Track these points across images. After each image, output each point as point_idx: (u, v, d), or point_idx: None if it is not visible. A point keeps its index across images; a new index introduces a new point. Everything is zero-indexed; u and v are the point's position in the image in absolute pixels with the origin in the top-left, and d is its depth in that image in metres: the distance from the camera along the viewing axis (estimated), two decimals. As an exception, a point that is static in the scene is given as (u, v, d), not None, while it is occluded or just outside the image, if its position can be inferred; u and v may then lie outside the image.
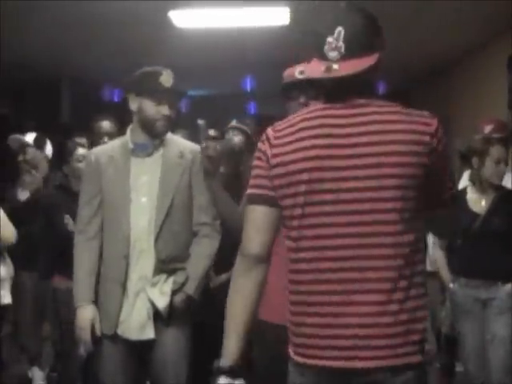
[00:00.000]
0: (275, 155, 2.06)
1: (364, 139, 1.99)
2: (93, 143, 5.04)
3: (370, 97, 2.08)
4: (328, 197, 1.98)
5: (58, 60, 8.49)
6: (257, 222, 2.09)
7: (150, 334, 3.10)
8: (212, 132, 6.58)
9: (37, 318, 5.27)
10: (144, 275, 3.11)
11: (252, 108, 11.64)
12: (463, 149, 5.11)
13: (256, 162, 2.11)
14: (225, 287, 4.23)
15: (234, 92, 11.01)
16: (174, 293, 3.13)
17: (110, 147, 3.33)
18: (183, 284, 3.15)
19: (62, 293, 4.49)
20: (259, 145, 2.12)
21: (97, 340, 3.16)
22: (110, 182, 3.17)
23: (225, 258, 3.94)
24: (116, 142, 3.35)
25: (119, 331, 3.11)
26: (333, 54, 2.04)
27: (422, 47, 7.83)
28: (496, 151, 4.23)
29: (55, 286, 4.60)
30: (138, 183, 3.16)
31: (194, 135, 6.22)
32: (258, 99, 11.27)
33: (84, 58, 8.35)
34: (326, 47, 2.04)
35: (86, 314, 3.13)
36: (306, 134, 2.03)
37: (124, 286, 3.10)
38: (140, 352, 3.17)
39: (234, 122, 4.95)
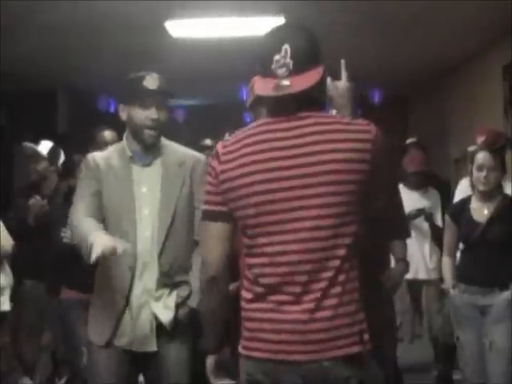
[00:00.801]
0: (223, 171, 2.18)
1: (305, 150, 2.10)
2: None
3: (315, 109, 2.18)
4: (274, 207, 2.11)
5: (54, 70, 8.48)
6: (212, 237, 2.23)
7: (152, 346, 3.06)
8: (208, 141, 6.60)
9: (36, 328, 5.25)
10: (148, 288, 3.05)
11: (248, 118, 11.63)
12: (458, 156, 5.13)
13: (207, 178, 2.23)
14: (233, 296, 4.25)
15: (231, 102, 11.02)
16: (177, 306, 3.08)
17: (107, 154, 3.24)
18: (186, 298, 3.10)
19: (69, 304, 4.51)
20: (210, 161, 2.25)
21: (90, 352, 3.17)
22: (112, 189, 3.09)
23: (233, 267, 3.95)
24: (112, 150, 3.27)
25: (121, 343, 3.06)
26: (281, 71, 2.13)
27: (418, 56, 7.84)
28: (479, 157, 4.23)
29: (62, 298, 4.61)
30: (139, 194, 3.09)
31: (189, 144, 6.21)
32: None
33: (80, 69, 8.35)
34: (274, 65, 2.13)
35: (102, 236, 2.85)
36: (248, 150, 2.15)
37: (127, 299, 3.04)
38: (140, 364, 3.13)
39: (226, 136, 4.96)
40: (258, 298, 2.17)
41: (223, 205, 2.18)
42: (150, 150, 3.13)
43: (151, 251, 3.05)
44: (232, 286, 4.22)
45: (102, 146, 5.11)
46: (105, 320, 3.08)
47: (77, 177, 4.59)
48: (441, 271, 4.87)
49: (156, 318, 3.05)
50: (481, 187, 4.23)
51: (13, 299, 5.02)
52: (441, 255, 4.86)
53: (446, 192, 6.04)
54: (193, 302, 3.11)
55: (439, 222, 5.59)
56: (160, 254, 3.04)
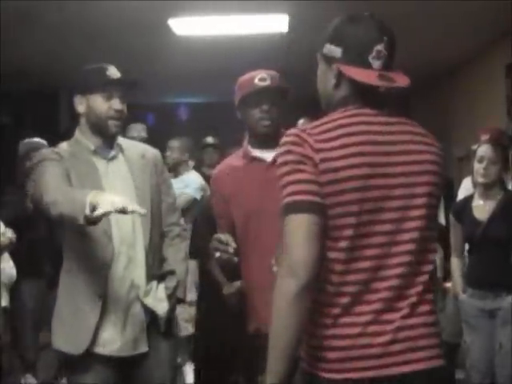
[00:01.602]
0: (323, 160, 1.88)
1: (404, 147, 1.99)
2: None
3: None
4: (380, 205, 1.92)
5: (56, 70, 8.48)
6: (309, 233, 1.84)
7: (143, 347, 2.89)
8: (210, 139, 6.60)
9: (36, 326, 5.25)
10: (136, 284, 2.87)
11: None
12: (461, 155, 5.11)
13: (298, 167, 1.88)
14: (237, 295, 4.24)
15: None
16: (168, 298, 2.97)
17: (65, 147, 3.00)
18: (175, 288, 3.01)
19: None
20: (294, 148, 1.90)
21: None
22: (81, 183, 2.83)
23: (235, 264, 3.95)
24: (67, 145, 3.02)
25: (106, 350, 2.81)
26: (377, 63, 1.98)
27: (420, 55, 7.83)
28: (480, 150, 4.21)
29: None
30: (110, 188, 2.84)
31: (192, 142, 6.21)
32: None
33: (82, 67, 8.35)
34: (373, 55, 1.98)
35: (107, 193, 2.58)
36: (350, 141, 1.91)
37: (104, 299, 2.80)
38: (125, 369, 2.89)
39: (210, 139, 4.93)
40: (347, 310, 1.91)
41: (322, 197, 1.86)
42: (111, 144, 2.97)
43: (134, 246, 2.88)
44: (231, 289, 4.25)
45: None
46: (79, 325, 2.81)
47: None
48: (443, 270, 4.85)
49: (150, 314, 2.91)
50: (480, 179, 4.18)
51: (11, 297, 5.02)
52: (444, 254, 4.83)
53: (449, 191, 6.02)
54: (180, 294, 3.08)
55: (442, 221, 5.58)
56: (146, 248, 2.89)
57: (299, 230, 1.84)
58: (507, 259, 4.07)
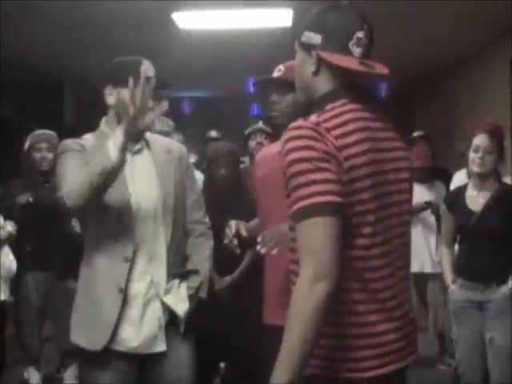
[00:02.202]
0: (346, 158, 1.86)
1: (391, 144, 2.01)
2: None
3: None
4: (386, 201, 1.94)
5: (60, 61, 8.49)
6: (335, 236, 1.79)
7: (161, 346, 2.82)
8: (213, 133, 6.61)
9: (40, 319, 5.27)
10: (156, 281, 2.81)
11: (255, 109, 11.64)
12: (464, 150, 5.09)
13: (321, 165, 1.82)
14: (228, 290, 4.24)
15: (237, 93, 11.02)
16: (189, 297, 2.90)
17: (89, 139, 2.93)
18: (198, 289, 2.94)
19: (75, 294, 4.52)
20: (315, 144, 1.84)
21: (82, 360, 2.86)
22: None
23: (228, 260, 3.96)
24: (91, 137, 2.96)
25: (123, 347, 2.76)
26: (357, 50, 1.98)
27: (424, 51, 7.83)
28: (476, 139, 4.20)
29: (70, 288, 4.62)
30: (134, 181, 2.82)
31: (195, 136, 6.23)
32: (260, 100, 11.26)
33: (87, 60, 8.35)
34: (353, 42, 1.97)
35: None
36: (361, 137, 1.90)
37: (124, 293, 2.74)
38: (143, 365, 2.84)
39: (260, 124, 4.95)
40: (378, 308, 1.93)
41: (343, 196, 1.83)
42: (139, 137, 2.89)
43: (155, 241, 2.82)
44: (224, 282, 4.24)
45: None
46: (99, 320, 2.75)
47: None
48: None
49: (170, 313, 2.85)
50: (476, 168, 4.15)
51: (15, 289, 5.04)
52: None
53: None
54: (203, 294, 2.98)
55: (445, 215, 5.60)
56: (168, 244, 2.83)
57: (326, 233, 1.78)
58: (499, 251, 4.03)
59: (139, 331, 2.76)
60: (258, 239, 2.70)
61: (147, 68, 2.86)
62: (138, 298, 2.78)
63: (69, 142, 2.87)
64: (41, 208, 4.88)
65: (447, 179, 5.76)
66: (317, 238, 1.78)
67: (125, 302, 2.74)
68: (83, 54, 8.04)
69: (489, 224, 4.06)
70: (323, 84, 2.01)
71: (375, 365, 1.90)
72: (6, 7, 5.72)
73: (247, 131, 4.93)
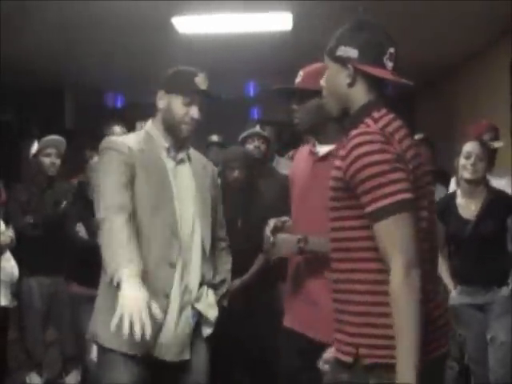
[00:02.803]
0: (409, 160, 2.08)
1: (417, 149, 2.18)
2: None
3: None
4: (426, 200, 2.15)
5: (60, 66, 8.49)
6: (415, 230, 2.02)
7: (186, 355, 2.88)
8: (215, 137, 6.60)
9: (43, 324, 5.27)
10: (190, 288, 2.88)
11: (255, 113, 11.64)
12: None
13: (397, 165, 2.02)
14: (237, 294, 4.26)
15: (237, 97, 11.02)
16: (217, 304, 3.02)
17: (135, 139, 2.93)
18: (223, 296, 3.08)
19: (80, 300, 4.53)
20: (388, 147, 2.03)
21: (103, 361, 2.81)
22: (149, 179, 2.82)
23: (239, 264, 3.98)
24: (137, 136, 2.98)
25: (156, 352, 2.78)
26: (390, 64, 2.20)
27: (424, 52, 7.83)
28: (467, 146, 4.21)
29: (72, 293, 4.62)
30: (177, 188, 2.90)
31: (195, 140, 6.23)
32: (260, 105, 11.27)
33: (87, 64, 8.36)
34: (387, 56, 2.18)
35: (138, 291, 2.42)
36: (409, 143, 2.12)
37: (168, 299, 2.79)
38: (164, 369, 2.84)
39: (257, 128, 4.95)
40: (432, 297, 2.13)
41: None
42: (181, 147, 2.99)
43: (190, 249, 2.90)
44: (232, 286, 4.26)
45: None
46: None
47: (87, 173, 4.62)
48: None
49: (193, 320, 2.90)
50: (467, 175, 4.17)
51: (19, 294, 5.04)
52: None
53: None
54: (225, 302, 3.11)
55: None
56: (203, 252, 2.94)
57: (410, 227, 1.99)
58: (495, 254, 4.08)
59: (173, 337, 2.80)
60: (264, 246, 2.84)
61: (201, 80, 2.98)
62: (175, 304, 2.82)
63: (114, 140, 2.91)
64: (44, 224, 4.90)
65: (448, 182, 5.76)
66: (405, 232, 1.98)
67: (168, 308, 2.79)
68: (83, 58, 8.05)
69: (484, 231, 4.09)
70: (359, 95, 2.20)
71: (433, 347, 2.09)
72: (6, 11, 5.72)
73: (243, 135, 4.93)
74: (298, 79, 2.96)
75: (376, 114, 2.15)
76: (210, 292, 2.99)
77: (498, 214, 4.12)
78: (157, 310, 2.43)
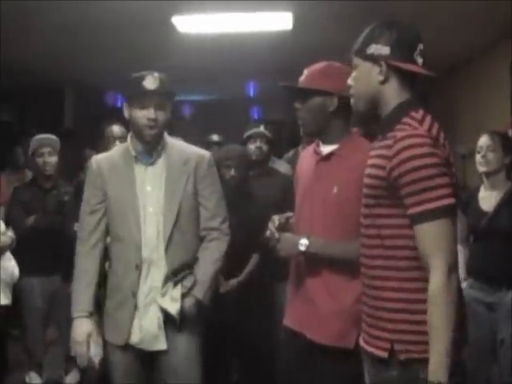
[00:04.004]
0: (453, 164, 2.20)
1: None
2: (104, 148, 5.08)
3: None
4: None
5: (60, 66, 8.50)
6: (455, 234, 2.13)
7: (162, 345, 3.08)
8: (215, 137, 6.61)
9: (44, 323, 5.27)
10: (154, 286, 3.08)
11: (255, 113, 11.65)
12: (465, 152, 5.09)
13: (444, 170, 2.11)
14: (234, 293, 4.26)
15: (237, 97, 11.02)
16: (183, 296, 3.09)
17: (111, 154, 3.27)
18: (191, 288, 3.11)
19: None
20: (437, 151, 2.12)
21: (106, 350, 3.19)
22: (116, 190, 3.12)
23: (234, 264, 3.97)
24: (117, 150, 3.30)
25: (131, 341, 3.09)
26: (420, 60, 2.27)
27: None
28: (479, 141, 4.21)
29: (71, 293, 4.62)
30: (143, 193, 3.10)
31: (195, 140, 6.23)
32: (261, 104, 11.28)
33: (87, 64, 8.36)
34: (417, 53, 2.26)
35: (82, 328, 3.10)
36: (448, 146, 2.21)
37: (135, 296, 3.07)
38: (152, 360, 3.14)
39: (261, 128, 4.95)
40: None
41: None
42: (152, 149, 3.13)
43: (157, 249, 3.07)
44: (228, 285, 4.26)
45: (110, 140, 5.14)
46: (120, 319, 3.11)
47: (85, 172, 4.62)
48: None
49: (163, 314, 3.07)
50: (480, 168, 4.18)
51: (20, 293, 5.04)
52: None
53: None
54: (198, 293, 3.13)
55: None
56: (166, 251, 3.06)
57: (451, 231, 2.09)
58: (510, 253, 3.98)
59: (141, 330, 3.07)
60: (269, 243, 2.88)
61: (149, 82, 3.03)
62: (141, 300, 3.08)
63: (91, 161, 3.26)
64: (45, 226, 4.91)
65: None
66: (447, 236, 2.07)
67: (135, 304, 3.08)
68: (83, 58, 8.05)
69: (500, 225, 4.03)
70: (392, 92, 2.27)
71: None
72: (6, 11, 5.73)
73: (246, 134, 4.92)
74: (302, 78, 2.94)
75: (415, 114, 2.22)
76: (178, 286, 3.09)
77: None
78: (95, 339, 3.14)
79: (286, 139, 7.09)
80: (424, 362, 2.07)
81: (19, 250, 4.85)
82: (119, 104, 10.70)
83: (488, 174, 4.17)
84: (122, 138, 5.15)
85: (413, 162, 2.08)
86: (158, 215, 3.08)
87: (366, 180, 2.28)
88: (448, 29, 6.71)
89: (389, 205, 2.18)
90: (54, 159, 5.12)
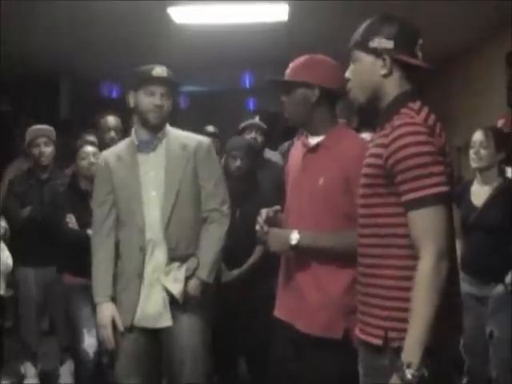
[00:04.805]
0: (447, 154, 2.22)
1: None
2: (99, 139, 5.08)
3: None
4: None
5: (56, 56, 8.47)
6: (448, 221, 2.14)
7: (167, 321, 3.24)
8: (211, 128, 6.60)
9: (39, 314, 5.27)
10: (158, 265, 3.25)
11: (251, 104, 11.64)
12: (460, 144, 5.10)
13: (439, 158, 2.14)
14: (236, 283, 4.27)
15: (233, 88, 11.00)
16: (187, 279, 3.25)
17: (117, 148, 3.49)
18: (195, 269, 3.26)
19: (72, 290, 4.53)
20: (432, 140, 2.15)
21: (118, 335, 3.30)
22: (121, 180, 3.33)
23: (237, 254, 3.98)
24: (123, 143, 3.52)
25: (136, 321, 3.25)
26: (420, 54, 2.30)
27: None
28: (472, 137, 4.22)
29: (66, 283, 4.62)
30: (146, 179, 3.30)
31: (191, 131, 6.22)
32: (256, 95, 11.26)
33: (82, 54, 8.34)
34: (417, 47, 2.29)
35: (106, 311, 3.27)
36: (444, 136, 2.25)
37: (141, 278, 3.25)
38: (157, 340, 3.30)
39: (256, 120, 4.96)
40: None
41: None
42: (155, 135, 3.33)
43: (159, 230, 3.25)
44: (230, 275, 4.27)
45: (105, 131, 5.15)
46: (125, 301, 3.29)
47: (77, 162, 4.62)
48: None
49: (168, 293, 3.23)
50: (473, 164, 4.19)
51: (16, 284, 5.04)
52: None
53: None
54: (202, 274, 3.27)
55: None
56: (165, 231, 3.24)
57: (444, 220, 2.10)
58: (498, 248, 4.01)
59: (146, 308, 3.24)
60: (259, 237, 2.91)
61: (159, 71, 3.26)
62: (146, 280, 3.26)
63: (98, 164, 3.49)
64: (41, 219, 4.90)
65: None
66: (439, 224, 2.09)
67: (140, 285, 3.25)
68: (79, 49, 8.03)
69: (489, 219, 4.05)
70: (393, 85, 2.29)
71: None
72: (2, 4, 5.70)
73: (242, 125, 4.92)
74: (287, 71, 3.02)
75: (413, 105, 2.24)
76: (182, 267, 3.27)
77: (506, 204, 4.05)
78: (119, 322, 3.25)
79: (281, 131, 7.09)
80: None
81: (15, 241, 4.85)
82: (115, 94, 10.69)
83: (480, 170, 4.18)
84: (117, 128, 5.16)
85: (408, 149, 2.10)
86: (160, 197, 3.27)
87: (365, 169, 2.29)
88: (444, 20, 6.70)
89: (385, 194, 2.20)
90: (49, 149, 5.11)
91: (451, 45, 7.89)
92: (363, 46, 2.32)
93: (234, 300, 4.10)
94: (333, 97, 2.95)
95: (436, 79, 9.42)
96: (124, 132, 5.37)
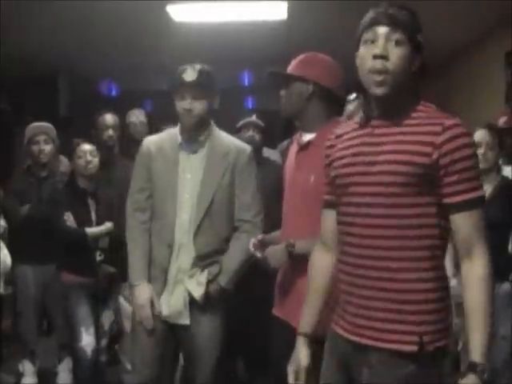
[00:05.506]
0: None
1: None
2: (97, 137, 5.08)
3: None
4: None
5: (55, 54, 8.47)
6: None
7: (185, 320, 3.32)
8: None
9: (38, 312, 5.26)
10: (183, 268, 3.31)
11: (249, 102, 11.62)
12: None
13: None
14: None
15: (232, 86, 10.98)
16: (208, 282, 3.31)
17: (159, 138, 3.49)
18: (217, 275, 3.33)
19: (70, 288, 4.53)
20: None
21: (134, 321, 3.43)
22: (160, 172, 3.36)
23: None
24: (165, 134, 3.52)
25: (161, 313, 3.33)
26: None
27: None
28: (476, 135, 4.18)
29: (64, 282, 4.62)
30: (183, 179, 3.32)
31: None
32: (255, 93, 11.25)
33: (81, 53, 8.34)
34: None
35: (143, 293, 3.33)
36: None
37: (166, 273, 3.32)
38: (175, 335, 3.39)
39: (253, 118, 4.95)
40: None
41: None
42: (195, 138, 3.35)
43: (188, 233, 3.29)
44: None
45: (103, 129, 5.15)
46: (154, 290, 3.36)
47: (75, 160, 4.62)
48: None
49: (189, 294, 3.30)
50: (480, 165, 4.18)
51: (14, 282, 5.04)
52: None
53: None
54: (222, 280, 3.33)
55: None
56: (195, 236, 3.28)
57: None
58: (499, 246, 4.00)
59: (169, 304, 3.33)
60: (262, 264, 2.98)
61: (188, 74, 3.31)
62: (171, 278, 3.33)
63: (141, 149, 3.48)
64: (40, 215, 4.90)
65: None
66: (483, 226, 2.21)
67: (165, 281, 3.34)
68: (78, 47, 8.03)
69: (490, 218, 4.03)
70: (413, 82, 2.22)
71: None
72: (1, 2, 5.70)
73: (239, 124, 4.92)
74: (288, 67, 3.07)
75: (426, 104, 2.28)
76: (205, 271, 3.32)
77: (507, 202, 4.06)
78: (156, 304, 3.32)
79: (280, 129, 7.08)
80: (445, 348, 2.18)
81: (14, 238, 4.84)
82: (114, 92, 10.70)
83: (484, 171, 4.18)
84: (115, 127, 5.17)
85: (466, 150, 2.11)
86: (193, 201, 3.30)
87: (402, 168, 2.10)
88: (443, 19, 6.70)
89: (422, 194, 2.11)
90: (49, 147, 5.10)
91: (451, 44, 7.89)
92: (413, 36, 2.17)
93: (234, 300, 4.10)
94: (328, 95, 2.96)
95: (435, 77, 9.43)
96: (122, 130, 5.38)
